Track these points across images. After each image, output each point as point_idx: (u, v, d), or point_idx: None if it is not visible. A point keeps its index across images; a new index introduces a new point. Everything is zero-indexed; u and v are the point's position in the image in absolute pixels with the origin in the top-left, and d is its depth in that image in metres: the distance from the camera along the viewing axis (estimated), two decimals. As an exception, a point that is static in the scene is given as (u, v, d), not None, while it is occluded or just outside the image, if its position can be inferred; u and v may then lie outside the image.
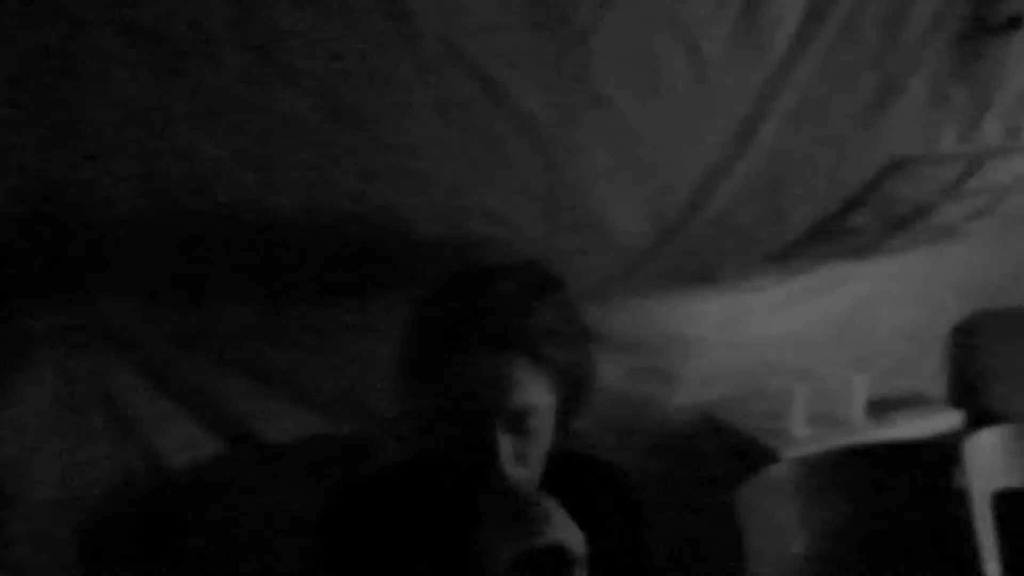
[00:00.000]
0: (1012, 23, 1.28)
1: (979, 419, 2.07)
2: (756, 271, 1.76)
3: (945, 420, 2.06)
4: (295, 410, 1.71)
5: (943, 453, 1.70)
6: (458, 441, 1.13)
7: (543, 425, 1.15)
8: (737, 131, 1.22)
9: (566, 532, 1.06)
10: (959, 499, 1.63)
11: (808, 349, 2.14)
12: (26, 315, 1.39)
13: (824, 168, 1.34)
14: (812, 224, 1.50)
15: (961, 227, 1.81)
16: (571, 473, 1.24)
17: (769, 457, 1.87)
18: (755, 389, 2.10)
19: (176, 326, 1.56)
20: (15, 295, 1.30)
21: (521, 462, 1.13)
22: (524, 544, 1.03)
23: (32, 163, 1.08)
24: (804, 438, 1.93)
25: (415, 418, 1.22)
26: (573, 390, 1.18)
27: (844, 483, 1.60)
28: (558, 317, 1.14)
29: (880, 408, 2.07)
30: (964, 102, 1.42)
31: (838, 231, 1.52)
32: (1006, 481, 1.69)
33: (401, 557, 1.19)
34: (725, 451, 2.03)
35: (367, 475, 1.28)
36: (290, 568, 1.68)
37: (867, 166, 1.40)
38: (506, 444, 1.10)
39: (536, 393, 1.13)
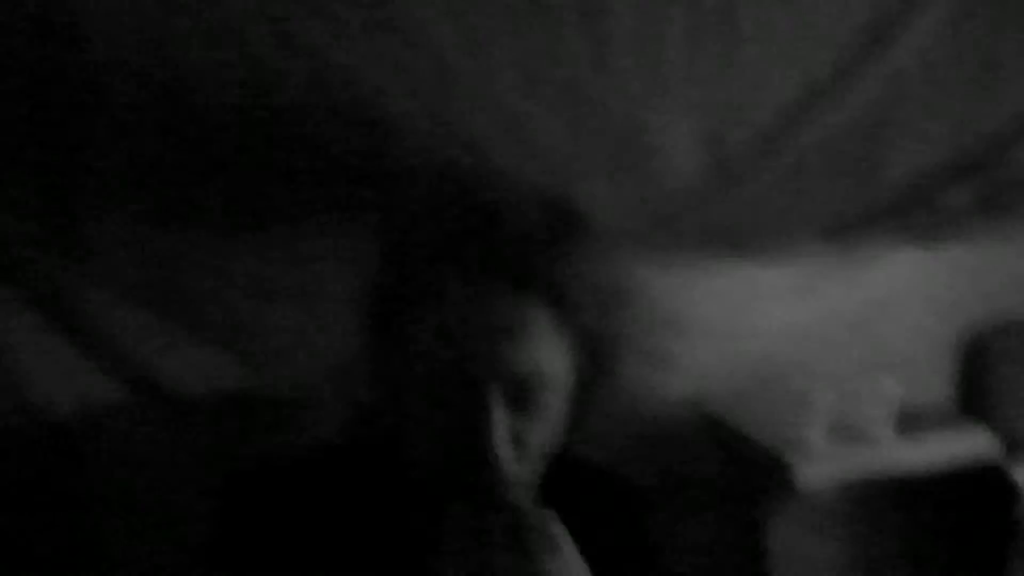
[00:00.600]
0: None
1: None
2: (807, 250, 1.45)
3: (979, 442, 1.81)
4: (212, 358, 1.44)
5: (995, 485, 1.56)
6: (433, 415, 0.84)
7: (554, 404, 0.86)
8: (867, 28, 0.90)
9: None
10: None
11: (824, 345, 1.91)
12: None
13: (954, 114, 1.04)
14: (904, 192, 1.20)
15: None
16: (568, 486, 0.93)
17: (780, 469, 1.63)
18: (762, 388, 1.86)
19: (61, 243, 1.30)
20: None
21: (518, 451, 0.84)
22: None
23: None
24: (822, 452, 1.68)
25: (376, 383, 0.91)
26: (596, 368, 0.89)
27: (889, 517, 1.49)
28: (591, 262, 0.87)
29: (905, 421, 1.80)
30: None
31: (927, 207, 1.22)
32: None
33: None
34: (724, 456, 1.79)
35: (281, 460, 0.98)
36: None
37: (1003, 123, 1.10)
38: (502, 421, 0.81)
39: (552, 357, 0.84)
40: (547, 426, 0.86)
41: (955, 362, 2.16)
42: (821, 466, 1.63)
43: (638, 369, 1.75)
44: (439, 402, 0.83)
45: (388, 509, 0.92)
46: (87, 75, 1.00)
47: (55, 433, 1.41)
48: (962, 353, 2.16)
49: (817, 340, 1.88)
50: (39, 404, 1.39)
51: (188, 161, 1.17)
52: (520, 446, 0.84)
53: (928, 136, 1.13)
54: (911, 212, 1.30)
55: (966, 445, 1.78)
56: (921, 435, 1.78)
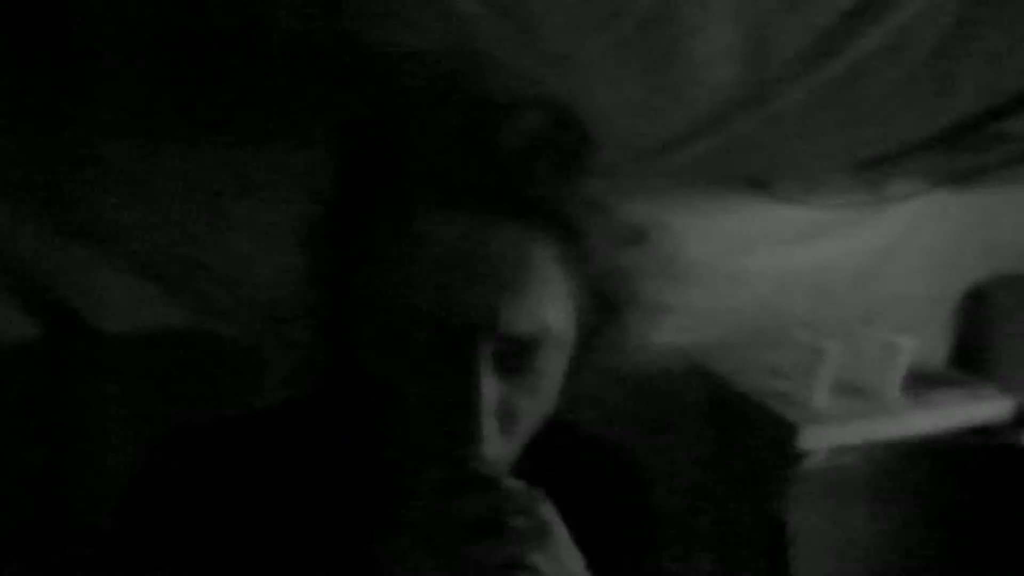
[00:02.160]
0: None
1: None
2: (834, 187, 1.29)
3: (993, 405, 1.70)
4: (143, 291, 1.27)
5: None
6: (401, 376, 0.67)
7: (552, 367, 0.69)
8: None
9: (570, 570, 0.65)
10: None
11: (821, 294, 1.80)
12: None
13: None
14: (965, 119, 1.02)
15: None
16: (557, 455, 0.78)
17: (783, 429, 1.49)
18: (757, 338, 1.74)
19: None
20: None
21: (506, 424, 0.68)
22: None
23: None
24: (827, 411, 1.55)
25: (327, 327, 0.74)
26: (601, 320, 0.73)
27: (910, 482, 1.40)
28: (603, 187, 0.69)
29: (908, 379, 1.69)
30: None
31: (987, 137, 1.05)
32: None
33: (255, 560, 0.74)
34: (714, 409, 1.67)
35: (216, 421, 0.81)
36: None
37: None
38: (491, 389, 0.65)
39: (558, 310, 0.67)
40: (542, 394, 0.70)
41: (955, 315, 2.10)
42: (827, 428, 1.51)
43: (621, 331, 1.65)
44: (413, 362, 0.66)
45: (340, 476, 0.76)
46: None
47: None
48: (962, 306, 2.09)
49: (817, 289, 1.77)
50: None
51: (111, 64, 0.98)
52: (508, 418, 0.68)
53: (998, 55, 0.95)
54: (965, 143, 1.12)
55: (976, 407, 1.69)
56: (929, 395, 1.68)
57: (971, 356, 2.11)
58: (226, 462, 0.76)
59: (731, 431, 1.60)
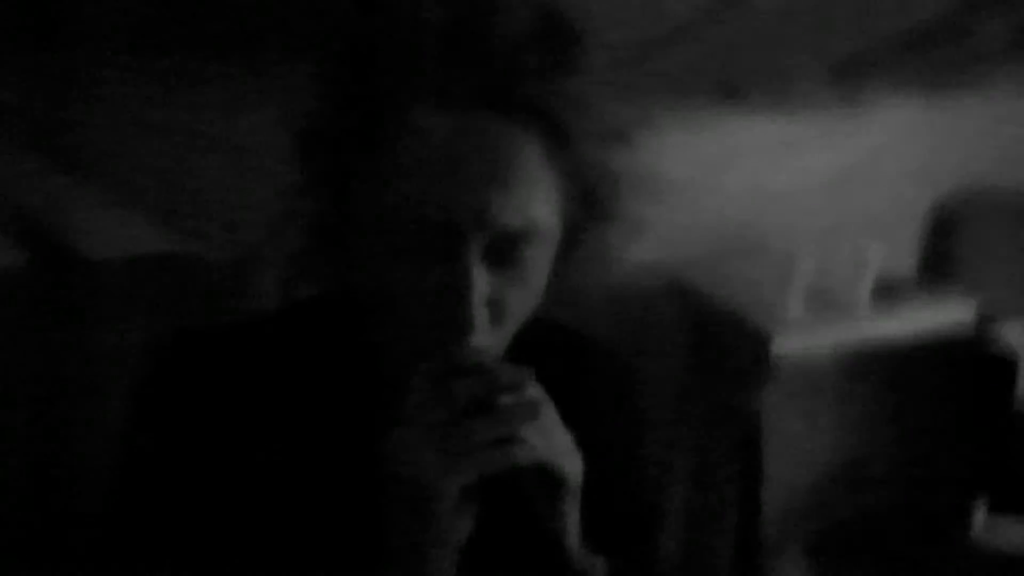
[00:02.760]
0: None
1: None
2: (806, 94, 1.32)
3: (958, 309, 1.78)
4: (130, 217, 1.30)
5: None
6: (392, 272, 0.70)
7: (539, 261, 0.72)
8: None
9: (559, 444, 0.69)
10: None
11: (795, 210, 1.85)
12: None
13: None
14: (936, 18, 1.05)
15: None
16: (546, 353, 0.79)
17: (757, 339, 1.55)
18: (736, 252, 1.80)
19: None
20: None
21: (495, 316, 0.71)
22: (492, 463, 0.65)
23: None
24: (800, 321, 1.61)
25: (317, 234, 0.76)
26: (587, 216, 0.75)
27: (869, 385, 1.45)
28: (590, 83, 0.71)
29: (879, 289, 1.76)
30: None
31: (958, 36, 1.08)
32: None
33: (255, 473, 0.78)
34: (694, 322, 1.72)
35: (217, 326, 0.85)
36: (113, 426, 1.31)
37: None
38: (481, 281, 0.68)
39: (544, 205, 0.70)
40: (530, 288, 0.73)
41: (926, 227, 2.15)
42: (799, 335, 1.57)
43: (606, 231, 1.68)
44: (403, 256, 0.69)
45: (338, 375, 0.80)
46: None
47: None
48: (933, 219, 2.14)
49: (793, 202, 1.81)
50: None
51: None
52: (497, 310, 0.71)
53: None
54: (937, 43, 1.15)
55: (943, 312, 1.76)
56: (897, 303, 1.74)
57: (939, 266, 2.16)
58: (229, 363, 0.80)
59: (709, 341, 1.65)
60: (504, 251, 0.69)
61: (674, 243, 1.72)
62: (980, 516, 1.74)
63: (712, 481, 1.49)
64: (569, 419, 0.72)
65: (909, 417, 1.50)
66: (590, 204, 0.75)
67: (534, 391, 0.68)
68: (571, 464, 0.69)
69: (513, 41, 0.66)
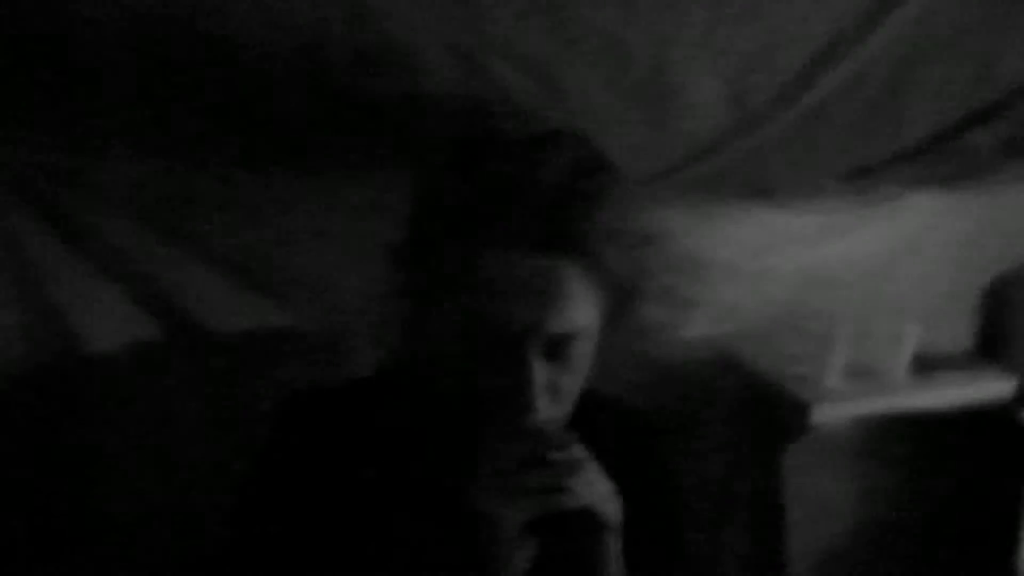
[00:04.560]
0: None
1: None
2: (827, 191, 1.46)
3: (996, 386, 1.83)
4: (246, 295, 1.44)
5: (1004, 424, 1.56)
6: (471, 364, 0.89)
7: (585, 351, 0.91)
8: None
9: (600, 491, 0.85)
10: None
11: (841, 289, 1.90)
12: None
13: (973, 58, 1.04)
14: (927, 137, 1.19)
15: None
16: (593, 417, 0.99)
17: (796, 407, 1.65)
18: (782, 329, 1.86)
19: (102, 180, 1.29)
20: None
21: (553, 398, 0.90)
22: (545, 504, 0.82)
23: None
24: (838, 391, 1.70)
25: (408, 327, 0.94)
26: (621, 309, 0.94)
27: (899, 452, 1.50)
28: (619, 212, 0.89)
29: (922, 365, 1.83)
30: None
31: (950, 150, 1.22)
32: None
33: (359, 505, 0.96)
34: (741, 394, 1.80)
35: (326, 387, 1.04)
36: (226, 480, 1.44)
37: (1015, 68, 1.10)
38: (541, 374, 0.86)
39: (587, 312, 0.88)
40: (578, 372, 0.91)
41: (974, 308, 2.15)
42: (836, 404, 1.65)
43: (660, 310, 1.72)
44: (479, 354, 0.87)
45: (422, 432, 0.97)
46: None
47: (94, 365, 1.41)
48: (981, 299, 2.15)
49: (835, 284, 1.87)
50: (79, 338, 1.39)
51: (226, 108, 1.16)
52: (554, 391, 0.89)
53: (948, 81, 1.12)
54: (933, 156, 1.29)
55: (980, 387, 1.80)
56: (936, 377, 1.79)
57: (994, 346, 2.15)
58: (334, 417, 0.99)
59: (753, 411, 1.74)
60: (557, 349, 0.87)
61: (725, 321, 1.81)
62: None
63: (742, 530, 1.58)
64: (611, 470, 0.88)
65: (933, 485, 1.53)
66: (622, 299, 0.92)
67: (578, 450, 0.85)
68: (611, 508, 0.85)
69: (559, 190, 0.84)
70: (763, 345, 1.84)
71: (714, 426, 1.81)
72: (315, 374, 1.44)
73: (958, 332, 2.15)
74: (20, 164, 1.23)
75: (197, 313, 1.45)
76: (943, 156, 1.31)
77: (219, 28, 0.98)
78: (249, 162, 1.29)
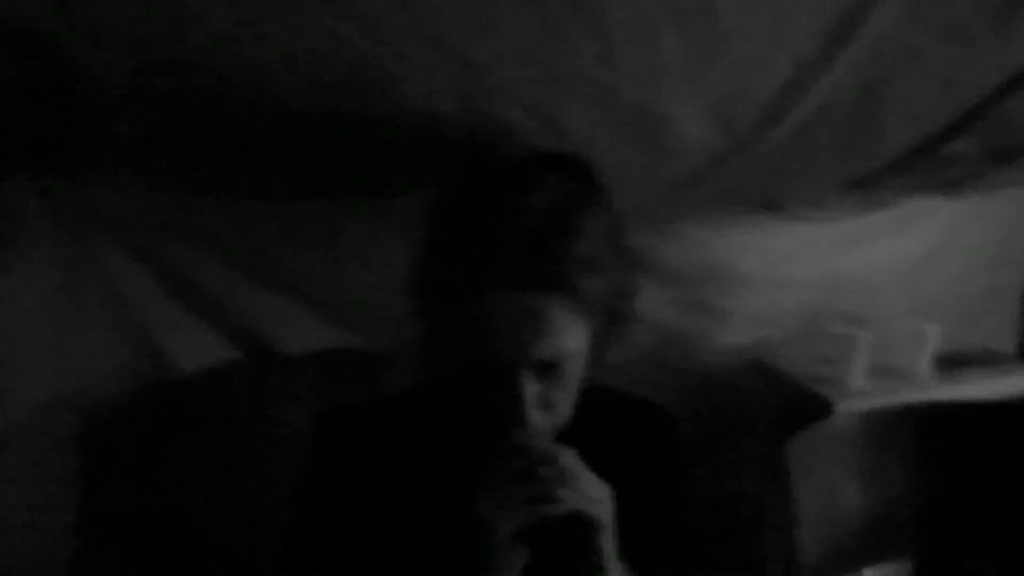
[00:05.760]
0: None
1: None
2: (831, 201, 1.55)
3: (1018, 380, 1.87)
4: (310, 319, 1.59)
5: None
6: (473, 384, 0.99)
7: (574, 369, 1.00)
8: (841, 15, 1.01)
9: (589, 494, 0.93)
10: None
11: (869, 294, 1.97)
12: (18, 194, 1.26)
13: (938, 74, 1.13)
14: (909, 147, 1.29)
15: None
16: (604, 411, 1.11)
17: (822, 407, 1.73)
18: (808, 333, 1.93)
19: (184, 222, 1.44)
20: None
21: (547, 409, 0.99)
22: (531, 513, 0.91)
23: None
24: (862, 390, 1.78)
25: (422, 348, 1.07)
26: (610, 325, 1.04)
27: (905, 441, 1.51)
28: (601, 240, 0.97)
29: (947, 363, 1.89)
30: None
31: (934, 159, 1.31)
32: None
33: (393, 506, 1.07)
34: (772, 396, 1.88)
35: (364, 403, 1.16)
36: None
37: (989, 77, 1.19)
38: (531, 392, 0.96)
39: (572, 337, 0.97)
40: (570, 387, 1.01)
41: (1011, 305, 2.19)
42: (859, 402, 1.72)
43: (691, 320, 1.85)
44: (479, 377, 0.98)
45: (436, 446, 1.08)
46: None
47: (173, 387, 1.53)
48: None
49: (858, 290, 1.93)
50: (169, 363, 1.53)
51: (285, 154, 1.24)
52: (547, 405, 0.99)
53: (919, 94, 1.18)
54: (923, 165, 1.36)
55: (1002, 384, 1.83)
56: (958, 375, 1.83)
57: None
58: (366, 435, 1.10)
59: (782, 412, 1.81)
60: (546, 369, 0.97)
61: (755, 328, 1.89)
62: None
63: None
64: (618, 465, 0.97)
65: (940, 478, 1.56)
66: (606, 326, 1.02)
67: (568, 461, 0.94)
68: (602, 510, 0.93)
69: (539, 232, 0.92)
70: (790, 349, 1.90)
71: (750, 429, 1.88)
72: (370, 387, 1.58)
73: (1004, 331, 2.18)
74: (116, 210, 1.38)
75: (272, 338, 1.59)
76: (932, 165, 1.38)
77: (269, 85, 1.07)
78: (300, 193, 1.40)
